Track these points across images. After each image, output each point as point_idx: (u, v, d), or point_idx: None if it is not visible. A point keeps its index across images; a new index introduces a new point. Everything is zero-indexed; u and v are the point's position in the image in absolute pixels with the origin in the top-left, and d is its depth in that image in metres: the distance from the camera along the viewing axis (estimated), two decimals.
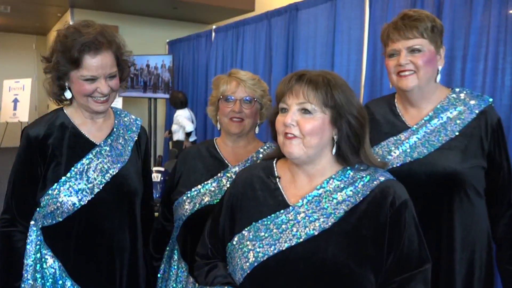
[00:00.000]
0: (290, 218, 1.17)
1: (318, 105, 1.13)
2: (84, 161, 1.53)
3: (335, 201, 1.16)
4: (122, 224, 1.58)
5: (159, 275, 1.79)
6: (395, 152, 1.55)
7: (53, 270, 1.51)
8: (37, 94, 9.43)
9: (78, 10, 6.53)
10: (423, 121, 1.56)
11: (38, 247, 1.52)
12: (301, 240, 1.13)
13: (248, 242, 1.18)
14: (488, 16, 2.48)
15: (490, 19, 2.47)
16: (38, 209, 1.52)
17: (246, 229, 1.21)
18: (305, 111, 1.14)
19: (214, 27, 5.66)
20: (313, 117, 1.14)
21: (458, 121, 1.52)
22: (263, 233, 1.17)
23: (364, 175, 1.19)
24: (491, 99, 1.56)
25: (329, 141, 1.18)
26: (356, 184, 1.17)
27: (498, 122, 1.53)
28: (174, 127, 5.92)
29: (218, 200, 1.59)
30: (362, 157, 1.19)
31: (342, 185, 1.18)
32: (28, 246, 1.52)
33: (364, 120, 1.19)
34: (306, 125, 1.13)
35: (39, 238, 1.52)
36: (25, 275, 1.51)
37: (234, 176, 1.60)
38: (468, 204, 1.49)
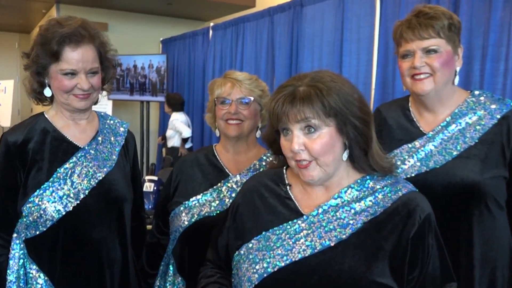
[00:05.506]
0: (304, 227, 1.17)
1: (319, 119, 1.12)
2: (67, 165, 1.54)
3: (353, 211, 1.17)
4: (112, 234, 1.58)
5: None
6: (409, 161, 1.54)
7: (39, 286, 1.51)
8: (20, 97, 9.41)
9: (65, 6, 6.54)
10: (439, 127, 1.56)
11: (21, 261, 1.52)
12: (316, 251, 1.13)
13: (257, 252, 1.19)
14: (509, 13, 2.49)
15: (511, 15, 2.48)
16: (20, 219, 1.52)
17: (255, 238, 1.21)
18: (309, 128, 1.13)
19: (211, 24, 5.69)
20: (319, 134, 1.13)
21: (477, 127, 1.52)
22: (274, 243, 1.18)
23: (385, 186, 1.19)
24: None
25: (342, 150, 1.18)
26: (376, 195, 1.18)
27: None
28: (169, 133, 5.90)
29: (218, 212, 1.60)
30: (370, 158, 1.19)
31: (361, 195, 1.19)
32: (10, 262, 1.52)
33: (369, 117, 1.18)
34: (314, 146, 1.13)
35: (22, 251, 1.52)
36: None
37: (235, 186, 1.61)
38: (488, 218, 1.49)
